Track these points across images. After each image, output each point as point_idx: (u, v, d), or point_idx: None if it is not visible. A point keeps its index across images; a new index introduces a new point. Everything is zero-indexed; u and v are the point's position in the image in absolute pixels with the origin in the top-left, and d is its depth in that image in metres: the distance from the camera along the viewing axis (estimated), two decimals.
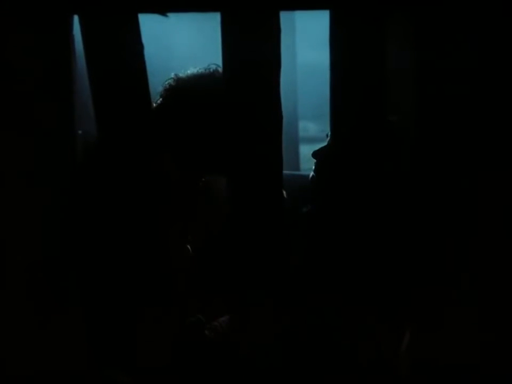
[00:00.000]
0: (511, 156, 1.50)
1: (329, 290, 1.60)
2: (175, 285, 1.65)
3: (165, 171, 1.69)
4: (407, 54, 1.53)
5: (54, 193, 1.47)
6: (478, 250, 1.51)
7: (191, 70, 1.78)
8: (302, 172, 2.08)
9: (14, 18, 1.42)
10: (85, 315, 1.51)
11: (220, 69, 1.63)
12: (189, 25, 2.80)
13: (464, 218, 1.51)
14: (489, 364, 1.53)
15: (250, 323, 1.57)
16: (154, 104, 1.75)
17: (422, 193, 1.52)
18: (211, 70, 1.76)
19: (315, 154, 1.73)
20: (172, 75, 1.78)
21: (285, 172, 1.57)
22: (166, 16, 1.53)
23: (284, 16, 1.49)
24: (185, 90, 1.76)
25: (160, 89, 1.78)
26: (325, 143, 1.73)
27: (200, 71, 1.77)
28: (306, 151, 3.14)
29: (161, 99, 1.77)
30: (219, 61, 1.54)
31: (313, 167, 1.75)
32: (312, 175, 1.75)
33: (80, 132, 1.52)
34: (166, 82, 1.78)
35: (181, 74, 1.78)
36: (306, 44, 3.44)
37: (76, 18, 1.49)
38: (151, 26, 1.60)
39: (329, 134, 1.67)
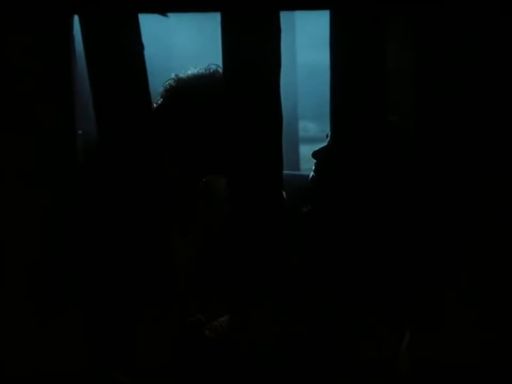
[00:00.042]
0: (511, 156, 1.50)
1: (329, 290, 1.60)
2: (175, 285, 1.65)
3: (165, 171, 1.70)
4: (407, 54, 1.53)
5: (54, 193, 1.47)
6: (478, 250, 1.51)
7: (191, 71, 1.78)
8: (302, 172, 2.08)
9: (14, 18, 1.42)
10: (85, 315, 1.51)
11: (220, 69, 1.63)
12: (189, 25, 2.80)
13: (464, 218, 1.51)
14: (489, 364, 1.53)
15: (250, 323, 1.57)
16: (154, 105, 1.76)
17: (422, 193, 1.52)
18: (211, 70, 1.76)
19: (315, 154, 1.73)
20: (172, 75, 1.79)
21: (285, 172, 1.57)
22: (166, 16, 1.53)
23: (284, 16, 1.49)
24: (185, 90, 1.76)
25: (161, 89, 1.78)
26: (325, 143, 1.73)
27: (200, 71, 1.78)
28: (306, 151, 3.14)
29: (161, 99, 1.77)
30: (219, 61, 1.54)
31: (313, 167, 1.75)
32: (312, 175, 1.75)
33: (80, 131, 1.52)
34: (167, 83, 1.78)
35: (181, 75, 1.78)
36: (306, 44, 3.44)
37: (76, 18, 1.49)
38: (151, 26, 1.60)
39: (329, 134, 1.67)
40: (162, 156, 1.69)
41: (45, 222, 1.47)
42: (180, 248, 1.73)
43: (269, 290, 1.57)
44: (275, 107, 1.52)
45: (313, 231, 1.67)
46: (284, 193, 1.59)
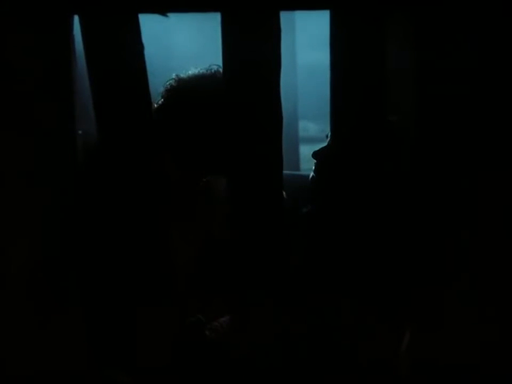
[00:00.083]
0: (511, 156, 1.50)
1: (329, 290, 1.60)
2: (175, 285, 1.65)
3: (165, 171, 1.70)
4: (407, 54, 1.53)
5: (54, 193, 1.47)
6: (478, 250, 1.51)
7: (192, 71, 1.78)
8: (302, 172, 2.08)
9: (14, 18, 1.42)
10: (85, 315, 1.51)
11: (221, 70, 1.63)
12: (189, 25, 2.80)
13: (464, 218, 1.51)
14: (489, 364, 1.53)
15: (250, 323, 1.57)
16: (155, 105, 1.76)
17: (422, 193, 1.52)
18: (212, 70, 1.76)
19: (315, 154, 1.73)
20: (173, 75, 1.78)
21: (285, 172, 1.57)
22: (166, 16, 1.52)
23: (284, 16, 1.49)
24: (186, 90, 1.76)
25: (161, 89, 1.78)
26: (325, 143, 1.73)
27: (201, 71, 1.77)
28: (306, 151, 3.14)
29: (162, 99, 1.77)
30: (219, 61, 1.54)
31: (313, 168, 1.75)
32: (312, 175, 1.75)
33: (80, 132, 1.52)
34: (167, 83, 1.78)
35: (182, 75, 1.78)
36: (306, 44, 3.44)
37: (76, 18, 1.49)
38: (151, 26, 1.60)
39: (329, 134, 1.67)
40: (162, 156, 1.69)
41: (45, 222, 1.47)
42: (180, 248, 1.72)
43: (269, 290, 1.57)
44: (275, 107, 1.52)
45: (313, 231, 1.67)
46: (284, 193, 1.59)
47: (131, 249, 1.56)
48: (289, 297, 1.58)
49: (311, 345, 1.59)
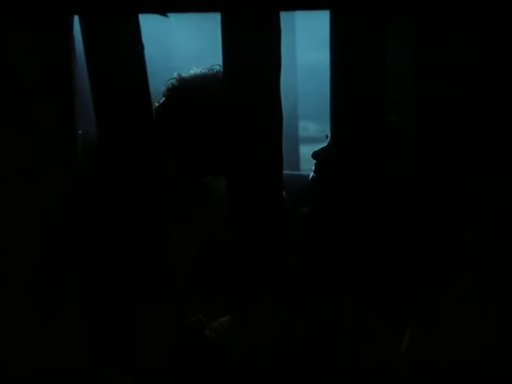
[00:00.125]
0: (511, 156, 1.50)
1: (329, 290, 1.60)
2: (175, 285, 1.65)
3: (165, 171, 1.70)
4: (407, 54, 1.53)
5: (54, 193, 1.47)
6: (478, 250, 1.51)
7: (194, 70, 1.78)
8: (302, 172, 2.08)
9: (14, 18, 1.42)
10: (85, 315, 1.51)
11: None
12: (189, 25, 2.80)
13: (464, 218, 1.51)
14: (489, 364, 1.53)
15: (250, 323, 1.57)
16: (156, 103, 1.76)
17: (422, 193, 1.52)
18: (214, 70, 1.75)
19: (315, 155, 1.73)
20: (175, 75, 1.78)
21: (285, 172, 1.57)
22: (166, 16, 1.52)
23: (284, 16, 1.49)
24: (188, 90, 1.75)
25: (163, 88, 1.78)
26: (325, 143, 1.73)
27: (203, 71, 1.77)
28: (306, 151, 3.14)
29: (163, 98, 1.77)
30: (219, 61, 1.54)
31: (313, 168, 1.75)
32: (312, 176, 1.75)
33: (80, 132, 1.52)
34: (169, 82, 1.78)
35: (184, 74, 1.78)
36: (306, 44, 3.44)
37: (76, 18, 1.49)
38: (151, 26, 1.60)
39: (329, 134, 1.67)
40: (162, 156, 1.69)
41: (45, 222, 1.47)
42: (180, 248, 1.72)
43: (269, 290, 1.57)
44: (275, 107, 1.52)
45: (313, 231, 1.67)
46: (284, 193, 1.59)
47: (131, 249, 1.56)
48: (289, 297, 1.58)
49: (311, 345, 1.59)
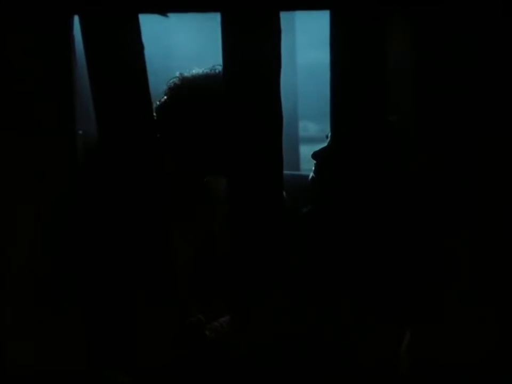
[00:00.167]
0: (511, 157, 1.50)
1: (329, 290, 1.60)
2: (176, 284, 1.65)
3: (165, 171, 1.70)
4: (407, 54, 1.53)
5: (54, 193, 1.47)
6: (478, 250, 1.51)
7: (196, 70, 1.78)
8: (302, 172, 2.08)
9: (14, 18, 1.42)
10: (85, 315, 1.51)
11: None
12: (189, 25, 2.79)
13: (464, 218, 1.51)
14: (489, 364, 1.53)
15: (250, 323, 1.57)
16: (157, 103, 1.75)
17: (422, 193, 1.52)
18: (216, 71, 1.75)
19: (315, 155, 1.73)
20: (177, 74, 1.78)
21: (285, 172, 1.57)
22: (166, 16, 1.52)
23: (284, 16, 1.49)
24: (189, 89, 1.75)
25: (164, 88, 1.78)
26: (325, 143, 1.73)
27: (205, 71, 1.77)
28: (306, 151, 3.14)
29: (165, 97, 1.77)
30: (219, 61, 1.54)
31: (313, 168, 1.75)
32: (312, 176, 1.75)
33: (80, 131, 1.52)
34: (171, 81, 1.78)
35: (186, 74, 1.78)
36: (307, 44, 3.44)
37: (76, 18, 1.49)
38: (151, 26, 1.60)
39: (329, 135, 1.67)
40: (162, 156, 1.69)
41: (45, 222, 1.47)
42: (180, 248, 1.72)
43: (269, 290, 1.57)
44: (275, 107, 1.52)
45: (313, 231, 1.67)
46: (284, 193, 1.59)
47: (131, 249, 1.56)
48: (289, 297, 1.58)
49: (311, 345, 1.59)
